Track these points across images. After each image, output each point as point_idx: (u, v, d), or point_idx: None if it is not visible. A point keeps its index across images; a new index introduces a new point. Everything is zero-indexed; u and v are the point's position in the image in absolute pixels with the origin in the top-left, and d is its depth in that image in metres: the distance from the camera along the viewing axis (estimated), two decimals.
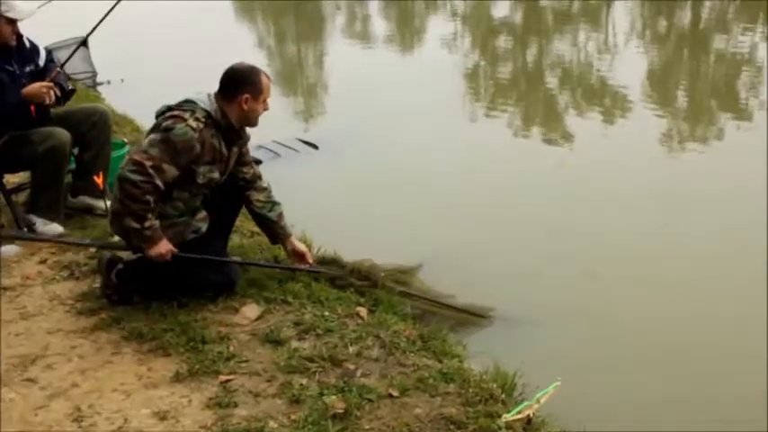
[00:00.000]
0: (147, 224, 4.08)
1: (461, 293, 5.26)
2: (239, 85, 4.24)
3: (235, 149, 4.42)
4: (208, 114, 4.16)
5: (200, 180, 4.23)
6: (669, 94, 11.42)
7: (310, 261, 4.83)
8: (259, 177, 4.69)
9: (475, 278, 5.61)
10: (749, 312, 5.26)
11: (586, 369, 4.65)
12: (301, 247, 4.81)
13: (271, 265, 4.87)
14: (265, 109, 4.36)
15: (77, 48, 6.07)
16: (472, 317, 5.09)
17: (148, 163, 3.99)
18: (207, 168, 4.22)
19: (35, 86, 5.06)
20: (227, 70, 4.30)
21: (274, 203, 4.69)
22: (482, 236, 6.41)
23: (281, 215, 4.70)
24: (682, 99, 11.30)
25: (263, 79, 4.30)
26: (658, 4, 16.42)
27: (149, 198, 4.03)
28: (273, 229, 4.73)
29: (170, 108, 4.18)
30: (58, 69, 5.28)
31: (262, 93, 4.28)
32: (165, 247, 4.18)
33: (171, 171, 4.07)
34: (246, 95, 4.23)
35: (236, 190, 4.62)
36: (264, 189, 4.69)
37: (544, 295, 5.47)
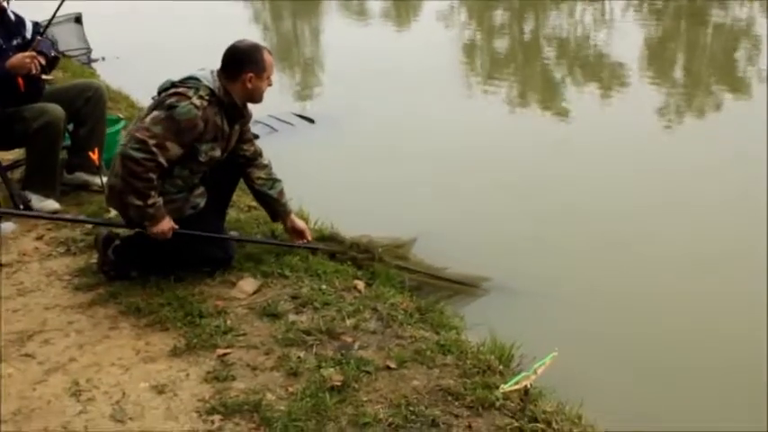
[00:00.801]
0: (150, 201, 4.06)
1: (458, 266, 5.26)
2: (242, 63, 4.20)
3: (237, 127, 4.39)
4: (211, 92, 4.12)
5: (202, 158, 4.20)
6: (667, 66, 11.38)
7: (309, 238, 4.81)
8: (260, 154, 4.66)
9: (471, 250, 5.60)
10: (751, 288, 5.24)
11: (584, 340, 4.64)
12: (300, 224, 4.79)
13: (267, 241, 4.85)
14: (269, 85, 4.33)
15: (66, 20, 5.99)
16: (468, 288, 5.10)
17: (152, 141, 3.97)
18: (209, 146, 4.19)
19: (18, 57, 5.00)
20: (228, 48, 4.25)
21: (275, 180, 4.67)
22: (478, 208, 6.41)
23: (281, 192, 4.68)
24: (679, 72, 11.26)
25: (266, 56, 4.26)
26: None
27: (152, 176, 4.00)
28: (274, 207, 4.71)
29: (174, 84, 4.14)
30: (39, 38, 5.21)
31: (265, 70, 4.24)
32: (167, 224, 4.16)
33: (174, 149, 4.04)
34: (250, 74, 4.19)
35: (234, 166, 4.59)
36: (265, 166, 4.66)
37: (541, 266, 5.47)
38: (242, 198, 5.50)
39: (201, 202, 4.40)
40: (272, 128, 8.07)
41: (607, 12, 14.54)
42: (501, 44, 12.97)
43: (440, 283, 5.03)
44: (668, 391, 4.31)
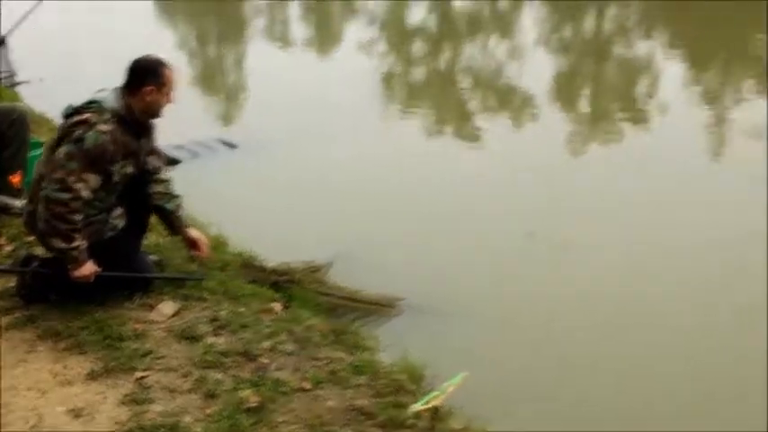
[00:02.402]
0: (74, 244, 3.97)
1: (374, 287, 5.30)
2: (143, 77, 4.14)
3: (144, 140, 4.31)
4: (114, 113, 4.06)
5: (116, 178, 4.13)
6: (574, 98, 11.65)
7: (205, 249, 4.65)
8: (160, 169, 4.54)
9: (387, 272, 5.66)
10: (653, 298, 5.43)
11: (494, 359, 4.71)
12: (195, 233, 4.64)
13: (182, 277, 4.68)
14: (169, 101, 4.25)
15: None
16: (383, 308, 5.13)
17: (71, 178, 3.90)
18: (120, 165, 4.11)
19: None
20: (131, 63, 4.20)
21: (173, 196, 4.55)
22: (395, 232, 6.45)
23: (179, 206, 4.55)
24: (585, 103, 11.54)
25: (167, 72, 4.21)
26: (564, 11, 16.71)
27: (77, 218, 3.94)
28: (171, 220, 4.57)
29: (76, 110, 4.08)
30: None
31: (165, 85, 4.18)
32: (89, 268, 4.07)
33: (93, 180, 3.97)
34: (150, 87, 4.13)
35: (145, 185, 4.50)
36: (164, 181, 4.54)
37: (453, 287, 5.54)
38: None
39: (120, 224, 4.33)
40: (195, 153, 7.96)
41: (518, 46, 14.82)
42: (419, 73, 13.12)
43: (355, 304, 5.05)
44: (574, 409, 4.39)
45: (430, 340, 4.61)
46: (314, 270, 5.28)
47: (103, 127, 3.98)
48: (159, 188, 4.52)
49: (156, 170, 4.52)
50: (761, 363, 4.68)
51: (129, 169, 4.19)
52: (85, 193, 3.94)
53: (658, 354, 4.94)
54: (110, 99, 4.08)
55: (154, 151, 4.48)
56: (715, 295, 5.61)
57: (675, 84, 11.60)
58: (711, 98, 11.12)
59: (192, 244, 4.63)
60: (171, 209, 4.53)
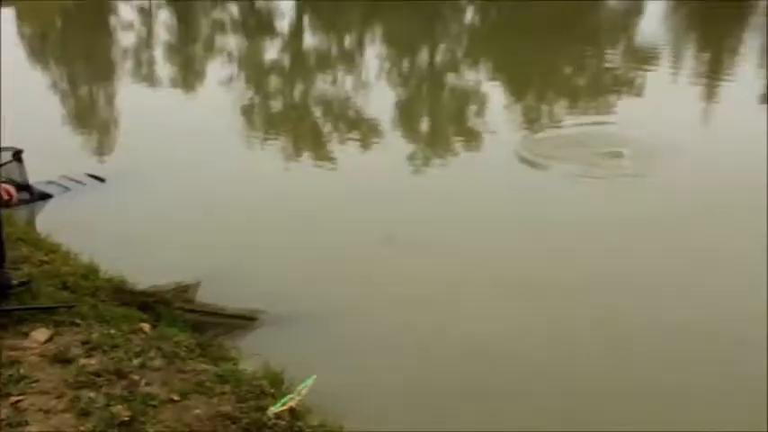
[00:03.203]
0: None
1: (243, 302, 5.24)
2: None
3: None
4: None
5: None
6: (414, 121, 11.89)
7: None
8: None
9: (252, 288, 5.59)
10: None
11: (351, 361, 4.72)
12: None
13: (53, 306, 4.42)
14: None
15: None
16: (246, 321, 5.08)
17: None
18: None
19: None
20: None
21: None
22: (256, 250, 6.40)
23: None
24: (424, 125, 11.80)
25: None
26: (403, 47, 17.06)
27: None
28: None
29: None
30: None
31: None
32: None
33: None
34: None
35: None
36: None
37: (312, 298, 5.53)
38: (35, 253, 5.19)
39: None
40: (65, 187, 7.61)
41: (363, 77, 15.01)
42: (275, 105, 13.07)
43: (219, 319, 4.98)
44: (421, 408, 4.40)
45: (290, 347, 4.60)
46: (182, 290, 5.18)
47: None
48: None
49: None
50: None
51: None
52: None
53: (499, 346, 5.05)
54: None
55: None
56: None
57: (499, 107, 12.07)
58: (529, 120, 11.60)
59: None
60: None
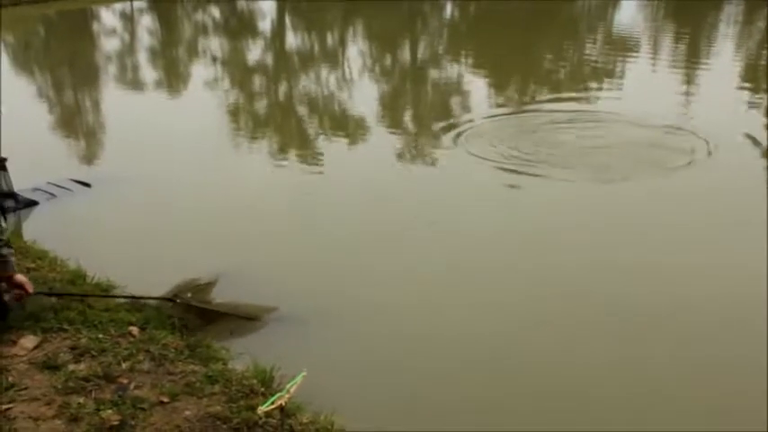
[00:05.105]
0: None
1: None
2: None
3: None
4: None
5: None
6: (398, 116, 11.82)
7: (30, 289, 4.26)
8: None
9: (245, 290, 5.47)
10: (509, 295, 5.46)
11: (342, 360, 4.63)
12: (20, 278, 4.24)
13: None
14: None
15: None
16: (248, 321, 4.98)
17: None
18: None
19: None
20: None
21: (6, 244, 4.16)
22: (250, 251, 6.30)
23: (10, 254, 4.15)
24: (408, 120, 11.74)
25: None
26: (384, 44, 17.01)
27: None
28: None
29: None
30: None
31: None
32: None
33: None
34: None
35: None
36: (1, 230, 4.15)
37: (314, 296, 5.41)
38: (22, 261, 5.11)
39: None
40: (51, 194, 7.49)
41: (347, 74, 14.93)
42: (261, 105, 12.98)
43: (202, 321, 4.82)
44: (412, 402, 4.33)
45: (280, 345, 4.52)
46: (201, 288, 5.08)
47: None
48: None
49: None
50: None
51: None
52: None
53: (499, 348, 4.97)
54: None
55: None
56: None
57: (482, 98, 12.02)
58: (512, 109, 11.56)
59: (20, 287, 4.23)
60: (3, 254, 4.13)
